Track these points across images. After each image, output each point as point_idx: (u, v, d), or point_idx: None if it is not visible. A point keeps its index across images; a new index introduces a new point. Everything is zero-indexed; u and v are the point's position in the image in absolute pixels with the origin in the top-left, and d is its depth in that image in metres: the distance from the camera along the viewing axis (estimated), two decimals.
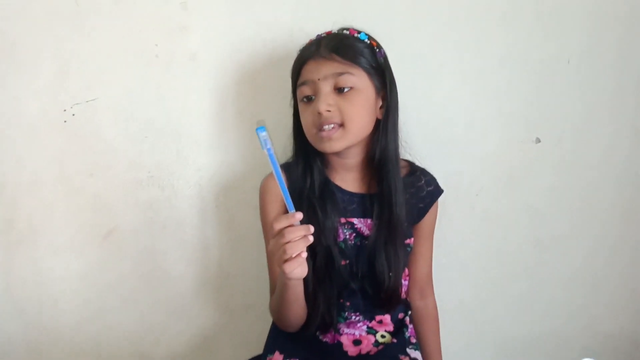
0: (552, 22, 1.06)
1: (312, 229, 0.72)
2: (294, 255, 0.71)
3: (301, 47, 0.91)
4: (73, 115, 1.02)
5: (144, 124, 1.04)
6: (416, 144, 1.01)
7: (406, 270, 0.97)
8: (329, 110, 0.84)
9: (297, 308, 0.86)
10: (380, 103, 0.90)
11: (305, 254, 0.72)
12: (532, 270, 1.17)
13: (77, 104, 1.02)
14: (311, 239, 0.71)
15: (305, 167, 0.93)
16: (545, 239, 1.16)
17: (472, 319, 1.19)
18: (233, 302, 1.14)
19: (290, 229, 0.71)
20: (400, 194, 0.89)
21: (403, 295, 0.97)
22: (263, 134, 0.69)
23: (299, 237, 0.71)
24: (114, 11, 0.99)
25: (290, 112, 0.96)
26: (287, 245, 0.70)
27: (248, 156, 1.07)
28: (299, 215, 0.71)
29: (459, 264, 1.16)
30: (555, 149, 1.11)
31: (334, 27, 0.91)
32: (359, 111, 0.86)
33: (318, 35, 0.90)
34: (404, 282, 0.97)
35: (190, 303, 1.14)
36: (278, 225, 0.71)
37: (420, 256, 0.99)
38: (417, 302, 1.01)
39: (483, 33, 1.05)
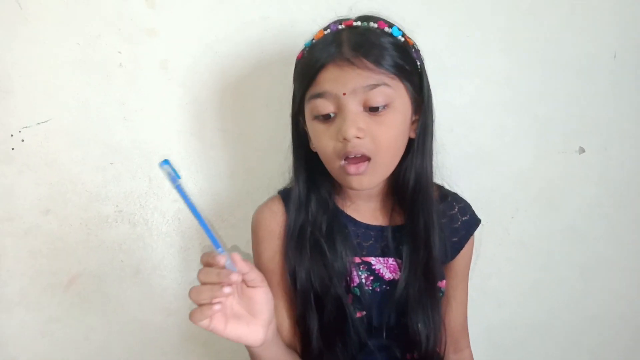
0: (593, 10, 0.95)
1: (236, 276, 0.56)
2: (201, 302, 0.56)
3: (309, 42, 0.71)
4: (22, 141, 0.87)
5: (108, 148, 0.89)
6: (436, 158, 0.86)
7: None
8: (358, 137, 0.66)
9: None
10: (413, 118, 0.73)
11: (218, 307, 0.56)
12: (578, 304, 1.06)
13: (26, 127, 0.87)
14: (226, 291, 0.55)
15: (309, 194, 0.76)
16: (592, 266, 1.05)
17: None
18: (223, 358, 1.00)
19: (204, 269, 0.58)
20: (437, 230, 0.74)
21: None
22: (166, 166, 0.59)
23: (212, 282, 0.56)
24: (65, 13, 0.84)
25: (285, 122, 0.80)
26: (194, 289, 0.57)
27: (236, 182, 0.93)
28: (221, 260, 0.57)
29: (492, 297, 1.04)
30: (601, 160, 1.00)
31: (350, 13, 0.73)
32: (394, 137, 0.68)
33: (334, 24, 0.70)
34: None
35: (173, 359, 0.99)
36: (201, 260, 0.59)
37: (454, 301, 0.84)
38: (450, 356, 0.85)
39: (511, 26, 0.94)
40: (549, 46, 0.94)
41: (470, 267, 0.89)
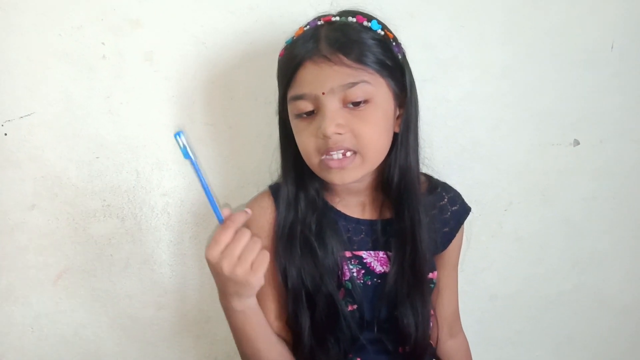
0: (590, 1, 0.91)
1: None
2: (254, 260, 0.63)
3: (290, 39, 0.70)
4: (5, 135, 0.85)
5: (93, 142, 0.87)
6: (430, 151, 0.87)
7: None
8: (339, 133, 0.64)
9: (267, 345, 0.72)
10: (397, 112, 0.71)
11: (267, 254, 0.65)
12: (570, 296, 1.05)
13: (8, 121, 0.85)
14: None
15: (298, 190, 0.75)
16: (585, 259, 1.04)
17: (503, 356, 1.06)
18: (216, 351, 1.00)
19: (238, 236, 0.64)
20: (425, 224, 0.73)
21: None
22: (182, 139, 0.65)
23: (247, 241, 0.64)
24: (45, 3, 0.80)
25: (275, 116, 0.79)
26: (242, 256, 0.63)
27: (224, 177, 0.91)
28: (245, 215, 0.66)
29: (485, 291, 1.03)
30: (597, 153, 0.98)
31: (330, 8, 0.71)
32: (376, 132, 0.67)
33: (313, 21, 0.69)
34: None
35: (165, 353, 0.99)
36: (226, 237, 0.63)
37: (446, 291, 0.85)
38: (447, 342, 0.86)
39: (508, 16, 0.90)
40: (546, 37, 0.91)
41: (464, 260, 0.89)
